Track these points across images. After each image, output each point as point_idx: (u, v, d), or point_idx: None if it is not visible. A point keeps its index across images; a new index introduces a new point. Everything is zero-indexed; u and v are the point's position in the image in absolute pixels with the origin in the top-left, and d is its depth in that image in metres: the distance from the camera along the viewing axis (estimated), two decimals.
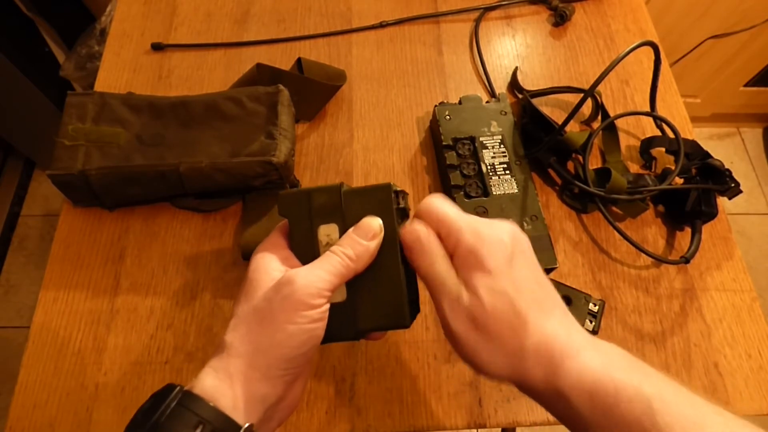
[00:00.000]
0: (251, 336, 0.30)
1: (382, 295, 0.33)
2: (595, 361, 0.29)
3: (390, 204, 0.33)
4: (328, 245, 0.33)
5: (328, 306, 0.31)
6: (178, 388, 0.29)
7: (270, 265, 0.33)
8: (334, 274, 0.31)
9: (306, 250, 0.34)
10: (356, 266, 0.32)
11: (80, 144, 0.51)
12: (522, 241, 0.32)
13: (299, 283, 0.30)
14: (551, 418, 0.46)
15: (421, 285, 0.35)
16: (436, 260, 0.32)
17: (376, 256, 0.33)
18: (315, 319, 0.30)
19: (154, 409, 0.28)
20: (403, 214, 0.36)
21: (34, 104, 1.25)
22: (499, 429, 0.70)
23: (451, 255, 0.32)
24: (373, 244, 0.32)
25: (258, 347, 0.30)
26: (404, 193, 0.36)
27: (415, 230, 0.32)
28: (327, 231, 0.34)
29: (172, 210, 0.55)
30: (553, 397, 0.29)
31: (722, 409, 0.27)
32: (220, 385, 0.29)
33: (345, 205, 0.34)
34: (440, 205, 0.33)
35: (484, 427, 0.46)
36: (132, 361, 0.48)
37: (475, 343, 0.30)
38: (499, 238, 0.31)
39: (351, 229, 0.33)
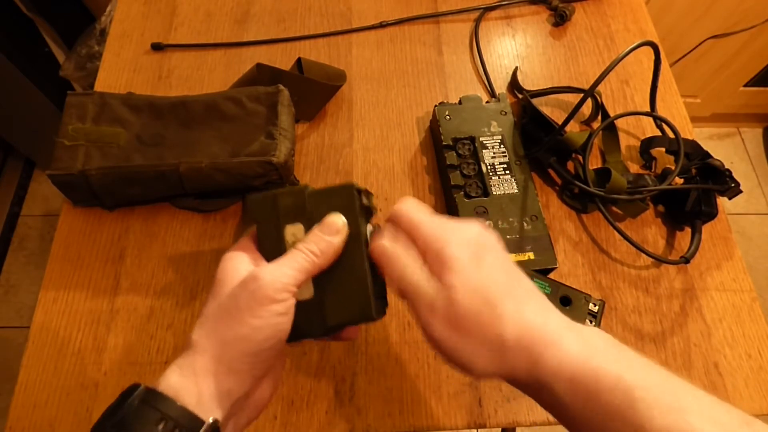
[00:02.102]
0: (217, 331, 0.31)
1: (349, 291, 0.34)
2: (575, 348, 0.29)
3: (353, 202, 0.34)
4: (294, 244, 0.34)
5: (293, 301, 0.32)
6: (142, 386, 0.29)
7: (238, 266, 0.33)
8: (299, 270, 0.32)
9: (273, 250, 0.35)
10: (321, 262, 0.33)
11: (80, 144, 0.51)
12: (487, 238, 0.33)
13: (265, 279, 0.31)
14: (551, 418, 0.46)
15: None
16: (406, 268, 0.32)
17: (341, 254, 0.34)
18: (280, 313, 0.31)
19: (118, 407, 0.28)
20: (368, 213, 0.36)
21: (34, 104, 1.25)
22: (499, 429, 0.70)
23: (423, 258, 0.32)
24: (337, 240, 0.33)
25: (223, 341, 0.30)
26: (368, 193, 0.37)
27: (380, 245, 0.33)
28: (293, 231, 0.35)
29: (172, 210, 0.55)
30: (536, 386, 0.29)
31: (704, 392, 0.27)
32: (185, 382, 0.30)
33: (310, 206, 0.35)
34: (410, 209, 0.34)
35: (484, 427, 0.46)
36: (132, 361, 0.48)
37: (455, 343, 0.30)
38: (463, 239, 0.32)
39: (315, 227, 0.34)
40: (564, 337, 0.29)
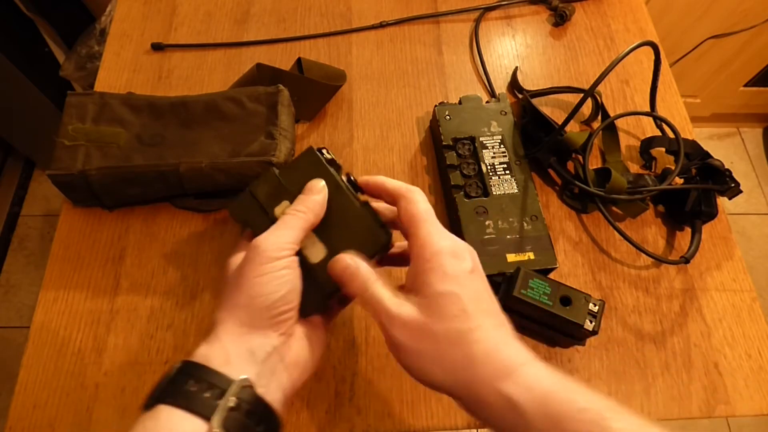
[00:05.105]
0: (232, 301, 0.34)
1: (354, 230, 0.37)
2: (545, 372, 0.30)
3: (319, 161, 0.38)
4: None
5: (295, 259, 0.35)
6: (179, 362, 0.32)
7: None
8: (292, 227, 0.35)
9: None
10: (311, 216, 0.36)
11: (80, 144, 0.51)
12: (478, 259, 0.35)
13: (263, 244, 0.34)
14: None
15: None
16: (368, 282, 0.34)
17: (333, 207, 0.37)
18: (282, 266, 0.34)
19: (158, 384, 0.31)
20: (335, 165, 0.39)
21: (34, 104, 1.25)
22: None
23: (411, 247, 0.34)
24: (320, 196, 0.37)
25: (237, 305, 0.33)
26: (326, 149, 0.40)
27: (339, 262, 0.35)
28: (281, 209, 0.38)
29: (172, 210, 0.55)
30: (503, 407, 0.29)
31: (661, 428, 0.28)
32: (212, 348, 0.32)
33: (285, 183, 0.38)
34: (420, 200, 0.36)
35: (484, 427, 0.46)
36: (132, 361, 0.48)
37: (418, 351, 0.32)
38: (461, 250, 0.34)
39: (299, 195, 0.37)
40: (532, 362, 0.31)
